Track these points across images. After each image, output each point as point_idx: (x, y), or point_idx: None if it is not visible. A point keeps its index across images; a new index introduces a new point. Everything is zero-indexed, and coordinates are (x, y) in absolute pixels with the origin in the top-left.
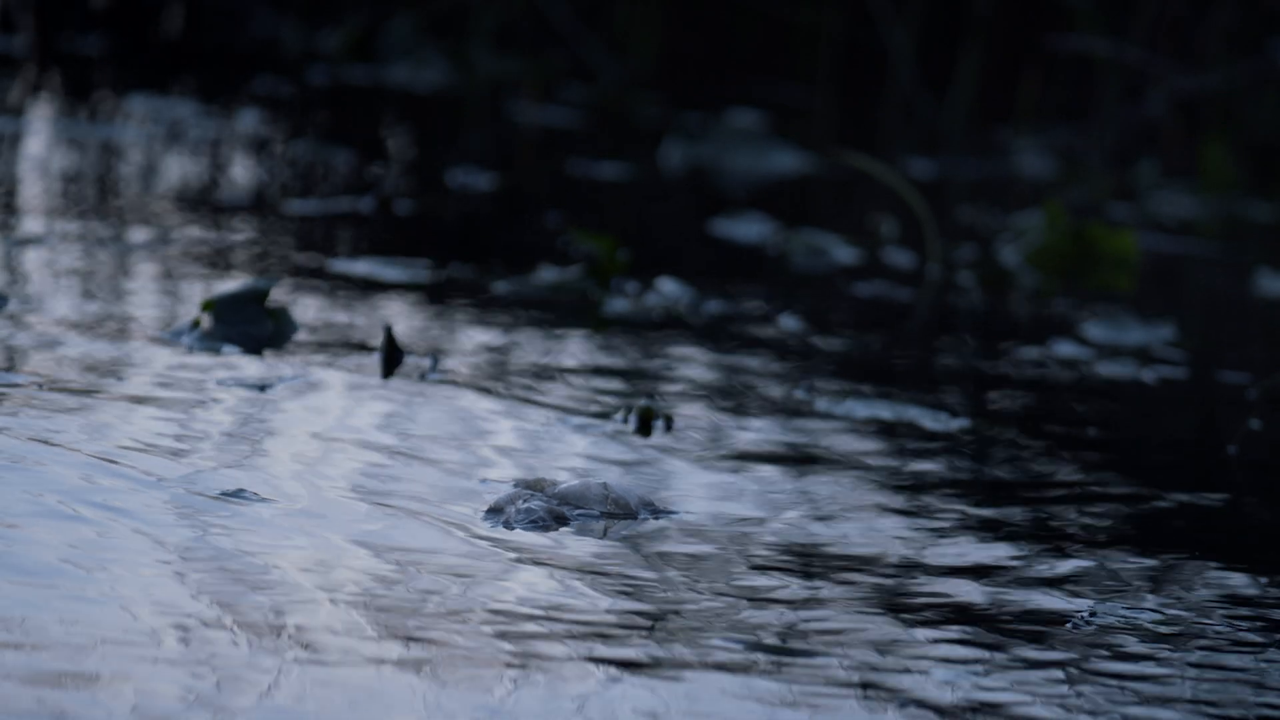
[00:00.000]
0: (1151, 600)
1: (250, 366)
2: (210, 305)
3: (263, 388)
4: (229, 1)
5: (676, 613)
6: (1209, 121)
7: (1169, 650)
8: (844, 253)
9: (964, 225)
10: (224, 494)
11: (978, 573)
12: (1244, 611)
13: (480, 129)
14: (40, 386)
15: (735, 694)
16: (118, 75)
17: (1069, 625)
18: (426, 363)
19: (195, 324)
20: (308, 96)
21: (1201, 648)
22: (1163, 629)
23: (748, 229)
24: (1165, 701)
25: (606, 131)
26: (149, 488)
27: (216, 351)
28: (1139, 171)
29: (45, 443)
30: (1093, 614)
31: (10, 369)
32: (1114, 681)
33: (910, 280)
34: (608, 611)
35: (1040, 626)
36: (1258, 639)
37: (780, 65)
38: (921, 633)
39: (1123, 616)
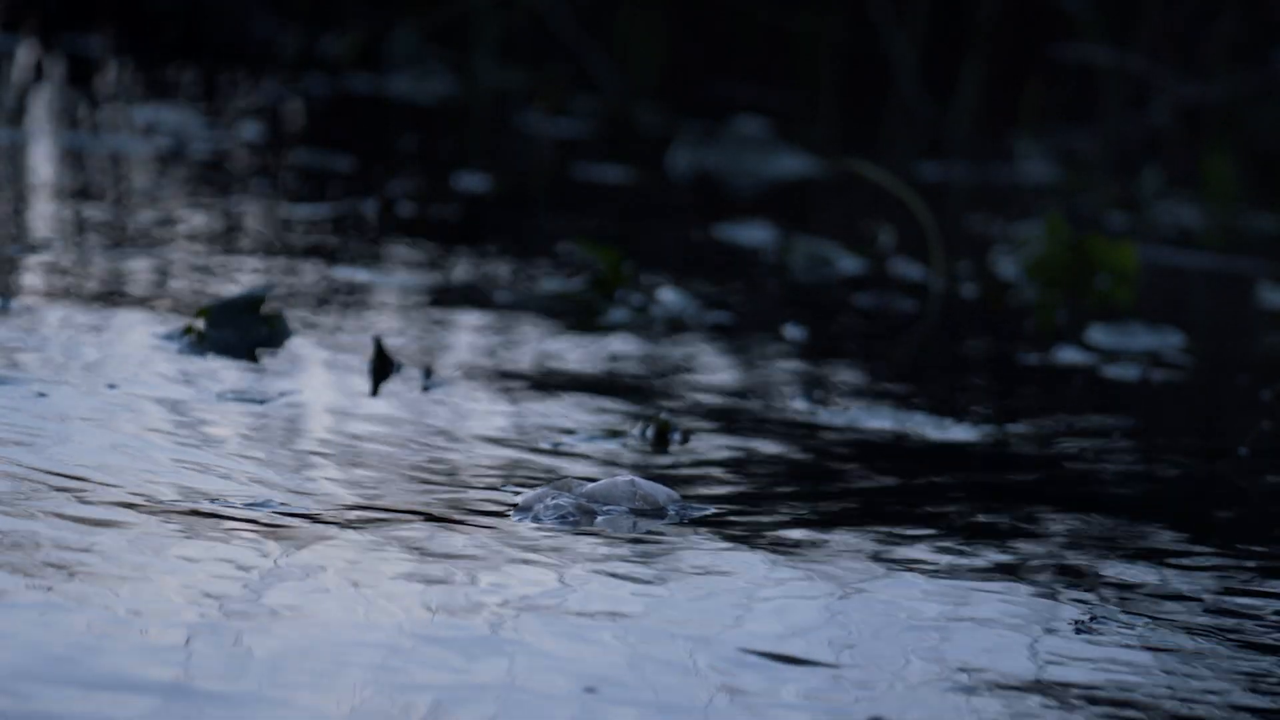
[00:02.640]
0: (1157, 605)
1: (245, 376)
2: (205, 312)
3: (261, 401)
4: (230, 5)
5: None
6: (1212, 130)
7: (1171, 655)
8: (847, 262)
9: (966, 234)
10: (250, 504)
11: (978, 572)
12: (1252, 616)
13: (484, 137)
14: (39, 396)
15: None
16: (118, 78)
17: (1071, 629)
18: (419, 374)
19: (187, 330)
20: (310, 104)
21: (1206, 654)
22: (1166, 633)
23: (751, 236)
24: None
25: (611, 139)
26: (153, 499)
27: (209, 360)
28: (1142, 181)
29: (45, 451)
30: (1094, 618)
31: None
32: (1114, 686)
33: (913, 291)
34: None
35: (1041, 624)
36: (1268, 644)
37: (783, 73)
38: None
39: (1124, 621)
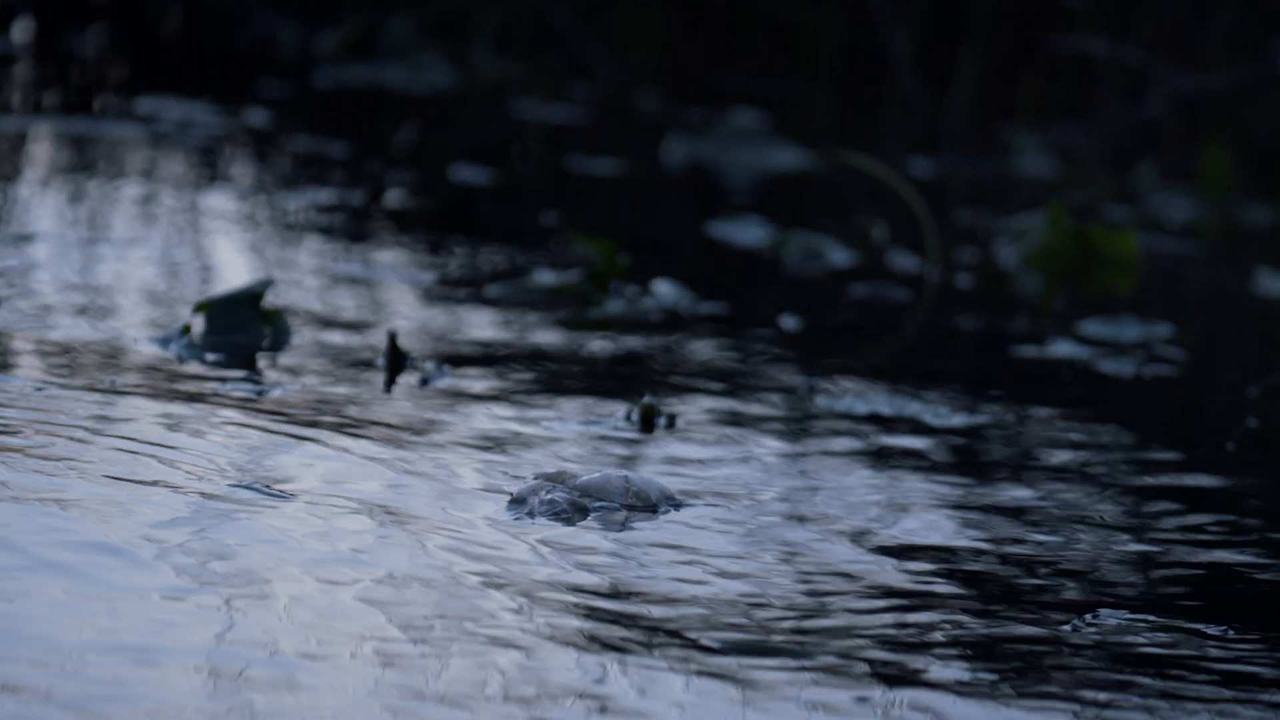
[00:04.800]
0: (1151, 600)
1: (246, 371)
2: (204, 307)
3: (261, 392)
4: (228, 1)
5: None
6: (1209, 123)
7: (1168, 650)
8: (841, 255)
9: (963, 226)
10: (234, 485)
11: (975, 567)
12: (1242, 611)
13: (480, 128)
14: (39, 389)
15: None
16: (116, 74)
17: (1068, 627)
18: (429, 366)
19: (186, 330)
20: (307, 96)
21: (1200, 647)
22: (1162, 632)
23: (746, 231)
24: (1162, 701)
25: (608, 129)
26: (153, 488)
27: (209, 355)
28: (1139, 173)
29: (44, 441)
30: (1094, 615)
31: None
32: (1112, 683)
33: (909, 282)
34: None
35: (1038, 628)
36: (1257, 639)
37: (781, 65)
38: (920, 628)
39: (1123, 619)
